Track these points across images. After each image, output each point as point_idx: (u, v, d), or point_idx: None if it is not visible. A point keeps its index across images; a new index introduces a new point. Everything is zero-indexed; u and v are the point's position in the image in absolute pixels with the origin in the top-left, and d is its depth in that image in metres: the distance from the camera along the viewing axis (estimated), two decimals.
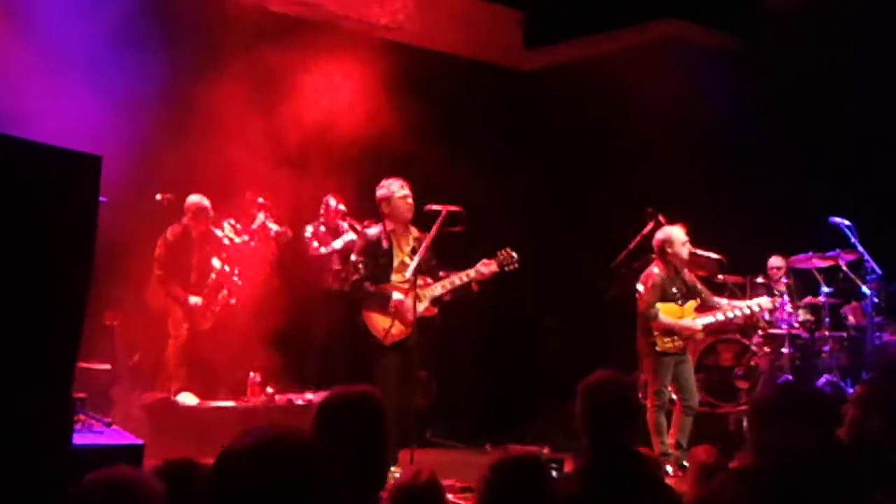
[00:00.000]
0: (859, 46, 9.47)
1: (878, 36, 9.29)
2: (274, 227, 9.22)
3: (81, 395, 6.23)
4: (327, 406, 3.16)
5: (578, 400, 3.93)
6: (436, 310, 7.24)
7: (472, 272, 7.25)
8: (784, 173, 9.83)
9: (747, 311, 8.23)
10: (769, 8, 8.36)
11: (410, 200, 7.24)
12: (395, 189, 7.23)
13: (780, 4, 8.43)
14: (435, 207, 7.23)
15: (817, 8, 9.02)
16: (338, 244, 9.43)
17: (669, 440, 7.86)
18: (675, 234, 8.07)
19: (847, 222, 8.77)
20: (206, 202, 8.77)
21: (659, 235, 8.17)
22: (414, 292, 7.01)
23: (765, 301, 8.28)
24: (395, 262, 7.22)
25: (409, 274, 7.02)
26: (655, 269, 8.05)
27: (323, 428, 3.07)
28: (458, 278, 7.25)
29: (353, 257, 7.40)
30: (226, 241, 8.85)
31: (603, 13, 8.37)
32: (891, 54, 9.28)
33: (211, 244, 8.86)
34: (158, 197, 8.70)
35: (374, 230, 7.35)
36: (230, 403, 8.77)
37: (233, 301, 8.84)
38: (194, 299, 8.64)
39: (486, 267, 7.25)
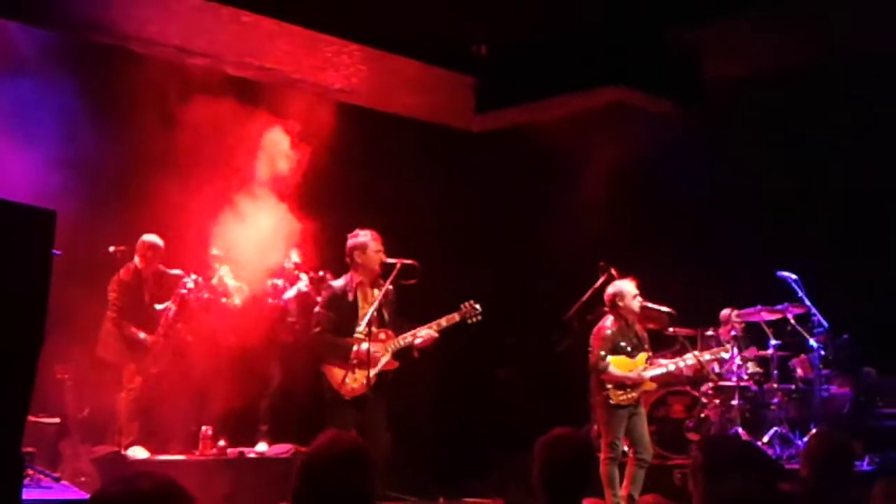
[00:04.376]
0: (795, 115, 9.76)
1: (811, 106, 9.58)
2: (232, 282, 9.17)
3: (30, 449, 6.17)
4: (315, 459, 3.03)
5: (535, 458, 3.92)
6: (398, 363, 7.22)
7: (434, 325, 7.26)
8: (732, 229, 10.05)
9: (690, 362, 8.51)
10: (707, 77, 8.64)
11: (383, 254, 7.26)
12: (368, 240, 7.24)
13: (718, 75, 8.71)
14: (390, 260, 7.25)
15: (753, 77, 9.29)
16: (289, 294, 9.39)
17: (622, 492, 7.90)
18: (626, 287, 8.19)
19: (794, 276, 8.97)
20: (157, 241, 8.69)
21: (610, 289, 8.29)
22: (371, 344, 6.98)
23: (693, 356, 8.49)
24: (360, 315, 7.19)
25: (362, 326, 7.02)
26: (607, 322, 8.16)
27: (309, 481, 2.97)
28: (421, 331, 7.25)
29: (317, 309, 7.38)
30: (184, 291, 8.79)
31: (552, 79, 8.60)
32: (824, 119, 9.58)
33: (165, 284, 8.81)
34: (111, 249, 8.66)
35: (339, 282, 7.32)
36: (181, 457, 8.68)
37: (188, 329, 8.81)
38: (146, 336, 8.59)
39: (450, 321, 7.28)
